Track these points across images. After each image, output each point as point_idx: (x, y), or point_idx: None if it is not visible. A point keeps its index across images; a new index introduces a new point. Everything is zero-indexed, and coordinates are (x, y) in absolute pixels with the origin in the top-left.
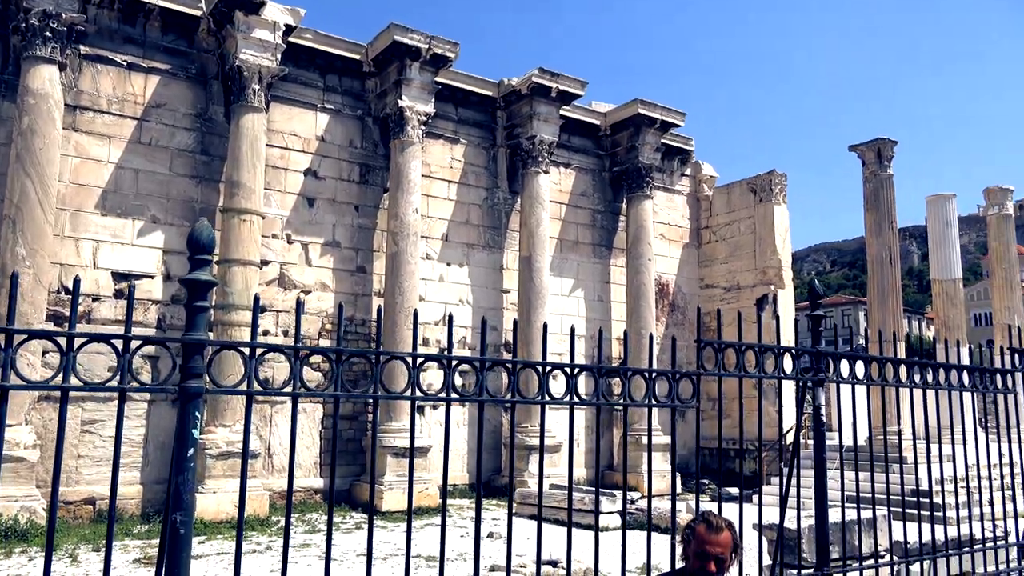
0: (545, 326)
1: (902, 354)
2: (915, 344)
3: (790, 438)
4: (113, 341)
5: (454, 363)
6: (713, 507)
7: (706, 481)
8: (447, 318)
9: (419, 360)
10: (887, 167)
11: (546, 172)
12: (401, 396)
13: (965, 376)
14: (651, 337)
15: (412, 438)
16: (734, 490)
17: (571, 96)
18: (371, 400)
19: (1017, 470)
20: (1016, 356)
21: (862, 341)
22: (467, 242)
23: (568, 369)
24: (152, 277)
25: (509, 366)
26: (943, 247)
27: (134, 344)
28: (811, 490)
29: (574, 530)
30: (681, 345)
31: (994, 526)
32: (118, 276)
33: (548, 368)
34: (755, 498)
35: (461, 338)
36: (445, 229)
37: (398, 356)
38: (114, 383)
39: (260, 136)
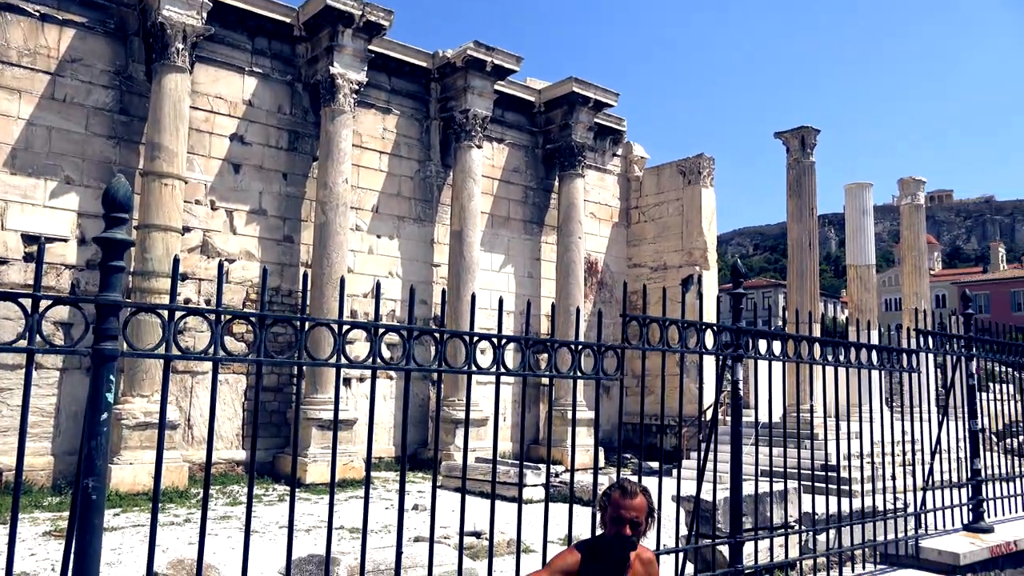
0: (473, 297)
1: (817, 335)
2: (830, 326)
3: (711, 414)
4: (21, 301)
5: (380, 331)
6: (634, 479)
7: (628, 455)
8: (375, 288)
9: (345, 328)
10: (810, 155)
11: (479, 147)
12: (326, 363)
13: (874, 355)
14: (578, 311)
15: (336, 406)
16: (656, 464)
17: (506, 71)
18: (296, 370)
19: (918, 447)
20: (921, 337)
21: (781, 322)
22: (398, 214)
23: (495, 340)
24: (66, 240)
25: (436, 335)
26: (859, 234)
27: (44, 304)
28: (728, 464)
29: (499, 502)
30: (608, 322)
31: (895, 498)
32: (28, 239)
33: (475, 338)
34: (675, 472)
35: (390, 311)
36: (376, 201)
37: (323, 323)
38: (22, 344)
39: (184, 97)
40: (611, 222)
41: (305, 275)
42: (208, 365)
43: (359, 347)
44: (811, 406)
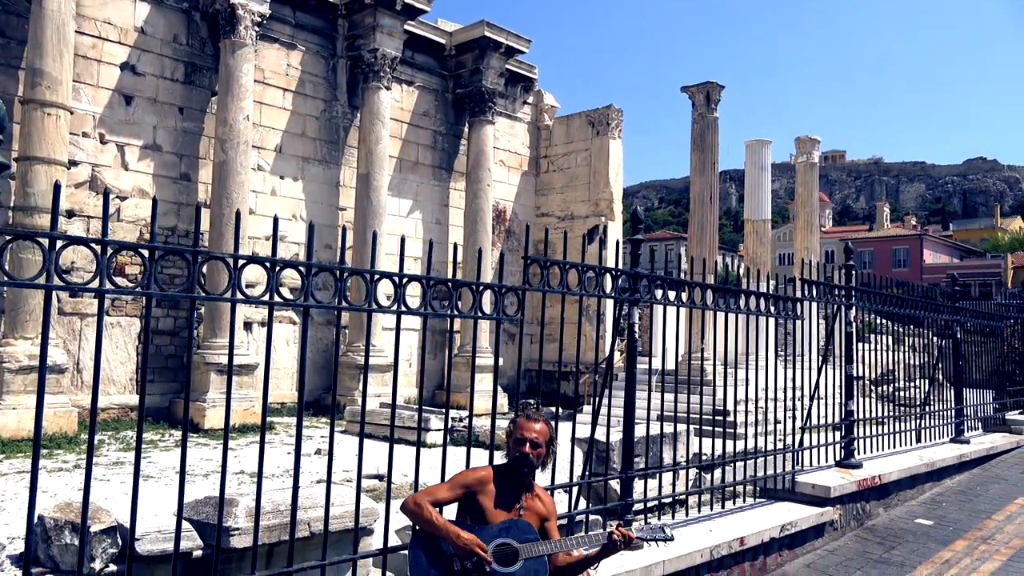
0: (375, 236)
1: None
2: (727, 277)
3: (615, 359)
4: None
5: (278, 267)
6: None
7: (531, 401)
8: (274, 224)
9: (241, 262)
10: (714, 110)
11: (388, 88)
12: (220, 298)
13: (763, 302)
14: (480, 251)
15: (231, 343)
16: (560, 410)
17: (417, 11)
18: (192, 312)
19: (801, 392)
20: (806, 286)
21: (681, 273)
22: (302, 155)
23: (396, 279)
24: None
25: (336, 272)
26: (756, 190)
27: None
28: (647, 409)
29: (402, 446)
30: (515, 270)
31: (778, 439)
32: None
33: (376, 276)
34: (577, 417)
35: (293, 255)
36: (279, 140)
37: (217, 256)
38: None
39: (68, 21)
40: (520, 170)
41: (198, 205)
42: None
43: (260, 291)
44: (701, 351)
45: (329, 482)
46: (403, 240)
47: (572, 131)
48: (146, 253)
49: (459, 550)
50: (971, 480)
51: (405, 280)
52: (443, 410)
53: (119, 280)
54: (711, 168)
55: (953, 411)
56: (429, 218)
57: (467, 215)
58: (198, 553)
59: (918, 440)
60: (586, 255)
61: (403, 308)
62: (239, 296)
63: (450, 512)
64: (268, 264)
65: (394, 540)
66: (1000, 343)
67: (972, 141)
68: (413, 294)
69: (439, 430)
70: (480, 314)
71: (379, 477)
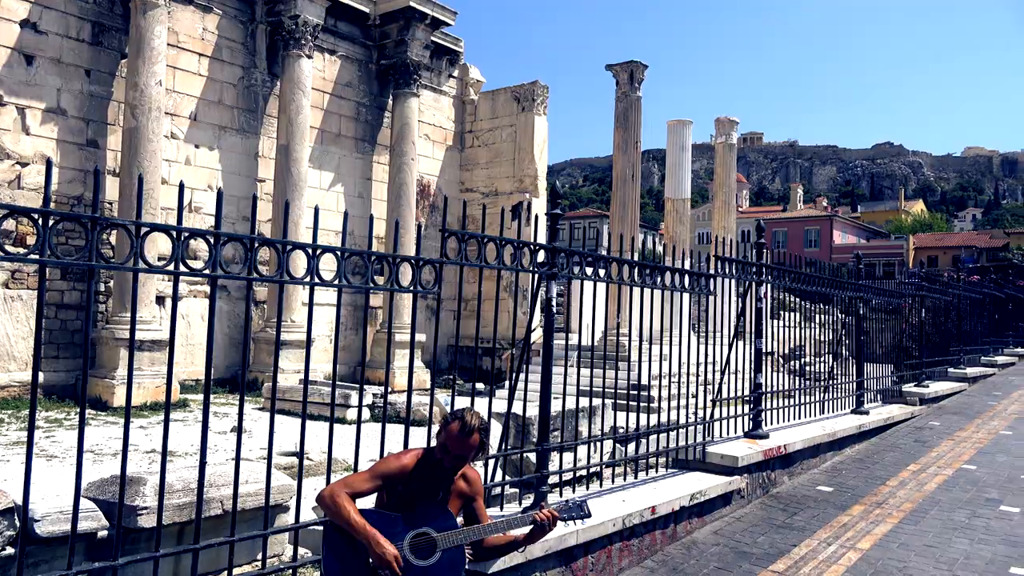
0: (287, 205)
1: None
2: (649, 255)
3: (536, 336)
4: None
5: (184, 235)
6: (461, 402)
7: (452, 377)
8: (179, 191)
9: (144, 230)
10: (637, 89)
11: (309, 57)
12: (122, 267)
13: (678, 278)
14: (396, 223)
15: (133, 315)
16: (481, 385)
17: None
18: (91, 283)
19: (717, 366)
20: (719, 263)
21: (604, 250)
22: (219, 124)
23: (310, 250)
24: None
25: (246, 242)
26: (677, 169)
27: None
28: (564, 384)
29: (321, 423)
30: (436, 244)
31: (688, 413)
32: None
33: (288, 247)
34: (499, 391)
35: (209, 227)
36: (194, 108)
37: (118, 224)
38: None
39: None
40: (445, 145)
41: (97, 171)
42: None
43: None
44: (618, 329)
45: (238, 458)
46: (316, 210)
47: (498, 106)
48: (39, 218)
49: (375, 557)
50: (869, 449)
51: (319, 251)
52: (365, 387)
53: (10, 248)
54: (634, 147)
55: (855, 384)
56: (352, 191)
57: (391, 189)
58: (103, 534)
59: (822, 411)
60: (510, 231)
61: (316, 280)
62: (142, 265)
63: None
64: (173, 232)
65: (311, 516)
66: (900, 320)
67: (881, 126)
68: (332, 268)
69: (355, 407)
70: (396, 287)
71: (296, 454)
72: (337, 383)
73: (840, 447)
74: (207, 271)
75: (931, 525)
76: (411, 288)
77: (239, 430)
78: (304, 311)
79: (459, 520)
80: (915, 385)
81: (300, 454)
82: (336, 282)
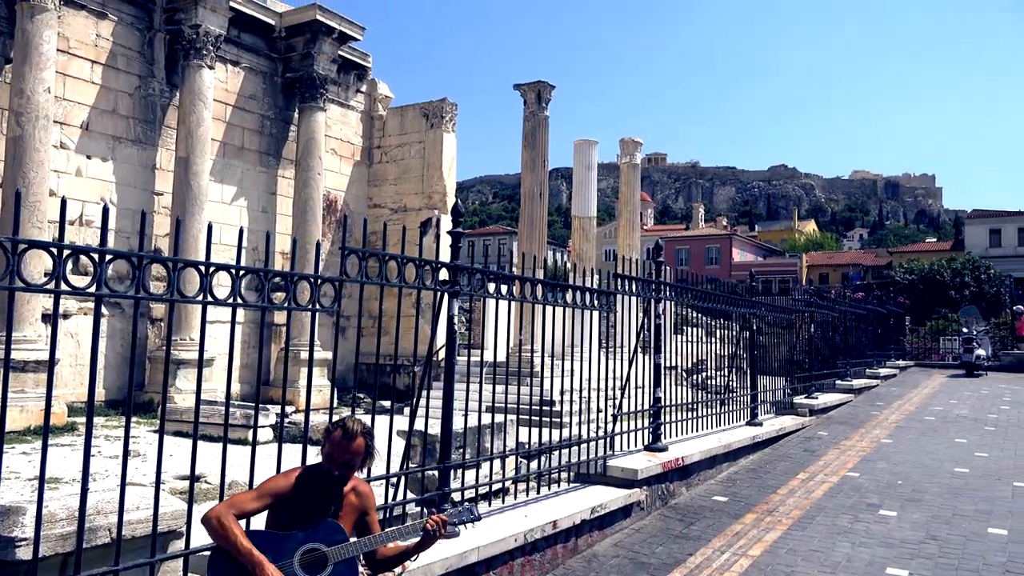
0: (178, 222)
1: (540, 277)
2: (557, 272)
3: (442, 353)
4: None
5: (65, 253)
6: (367, 419)
7: (363, 395)
8: (61, 207)
9: (21, 247)
10: (544, 109)
11: (211, 67)
12: None
13: (579, 295)
14: (294, 241)
15: (8, 334)
16: (388, 403)
17: None
18: None
19: (621, 382)
20: (620, 280)
21: (514, 268)
22: (113, 134)
23: (203, 267)
24: None
25: (134, 260)
26: (583, 188)
27: None
28: (466, 400)
29: (219, 444)
30: (335, 261)
31: (596, 427)
32: None
33: (180, 264)
34: (407, 410)
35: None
36: (86, 117)
37: None
38: None
39: None
40: (353, 160)
41: None
42: None
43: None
44: (532, 345)
45: (123, 484)
46: (210, 227)
47: (406, 122)
48: None
49: None
50: (762, 459)
51: (212, 269)
52: (268, 407)
53: None
54: (541, 165)
55: (749, 397)
56: (255, 206)
57: (296, 204)
58: None
59: (719, 424)
60: (419, 248)
61: (209, 299)
62: (18, 284)
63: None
64: (54, 250)
65: (206, 541)
66: (793, 335)
67: (776, 150)
68: (228, 285)
69: (260, 427)
70: (295, 305)
71: (195, 478)
72: (240, 403)
73: (735, 458)
74: (91, 289)
75: (817, 531)
76: (310, 307)
77: (125, 454)
78: (207, 329)
79: (352, 535)
80: (805, 397)
81: (192, 477)
82: (230, 300)
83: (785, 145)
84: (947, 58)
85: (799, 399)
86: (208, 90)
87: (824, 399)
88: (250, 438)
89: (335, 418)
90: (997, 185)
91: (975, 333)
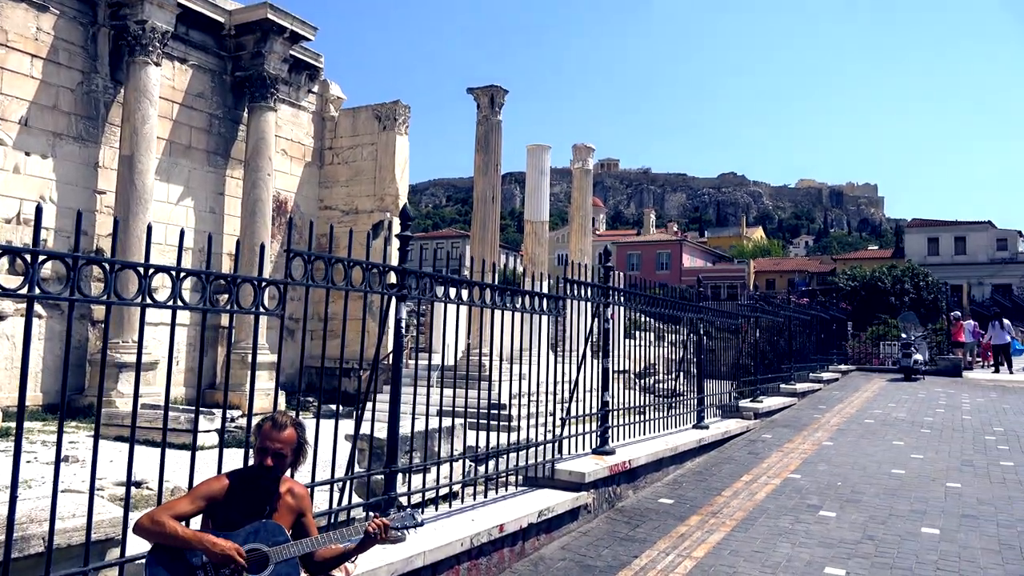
0: (116, 223)
1: (492, 282)
2: (510, 276)
3: (391, 357)
4: None
5: None
6: (313, 424)
7: (311, 399)
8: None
9: None
10: (498, 113)
11: (157, 64)
12: None
13: (529, 299)
14: (238, 243)
15: None
16: (337, 407)
17: None
18: None
19: (572, 385)
20: (570, 285)
21: (467, 271)
22: (54, 131)
23: (141, 269)
24: None
25: (69, 261)
26: (536, 192)
27: None
28: (413, 404)
29: (171, 450)
30: (284, 263)
31: (546, 431)
32: None
33: (117, 266)
34: (356, 413)
35: (43, 240)
36: (25, 112)
37: None
38: None
39: None
40: (303, 161)
41: None
42: None
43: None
44: (480, 348)
45: (55, 490)
46: (149, 228)
47: (359, 124)
48: None
49: (215, 557)
50: (708, 461)
51: (152, 271)
52: (212, 410)
53: None
54: (494, 169)
55: (696, 400)
56: (203, 207)
57: (245, 205)
58: None
59: (667, 427)
60: (367, 250)
61: (148, 301)
62: None
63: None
64: None
65: (141, 549)
66: (740, 339)
67: (726, 157)
68: (184, 288)
69: (204, 431)
70: (237, 308)
71: (137, 484)
72: (184, 407)
73: (682, 460)
74: (23, 291)
75: (759, 532)
76: (253, 310)
77: (57, 459)
78: (149, 331)
79: (290, 536)
80: (751, 400)
81: (128, 483)
82: (170, 302)
83: (735, 153)
84: (890, 71)
85: (745, 402)
86: (154, 87)
87: (769, 402)
88: (197, 442)
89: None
90: (936, 195)
91: (913, 338)
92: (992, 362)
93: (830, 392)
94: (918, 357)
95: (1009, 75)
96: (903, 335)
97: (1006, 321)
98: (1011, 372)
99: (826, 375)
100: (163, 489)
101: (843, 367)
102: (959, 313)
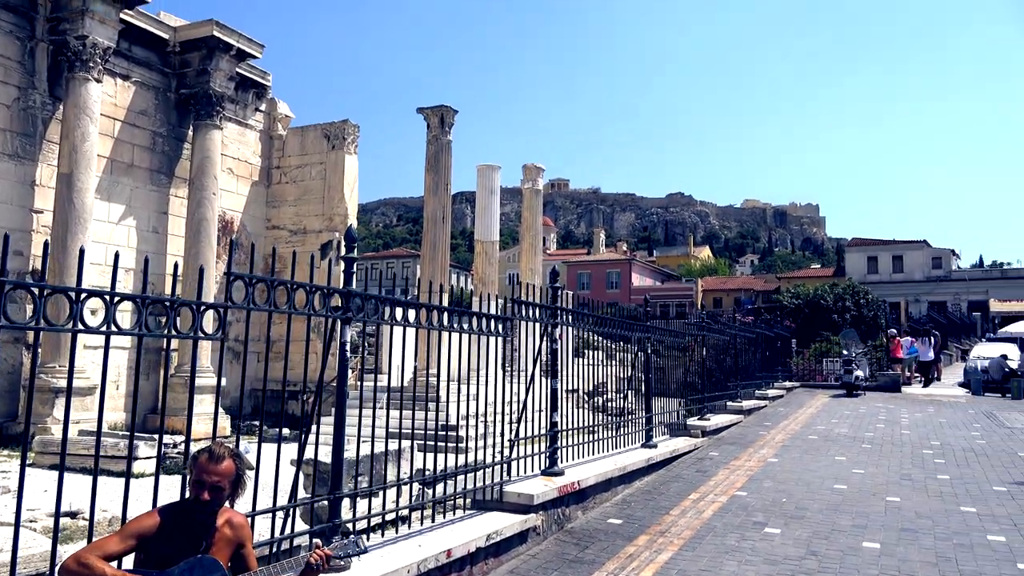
0: (46, 245)
1: (446, 303)
2: (460, 296)
3: (353, 379)
4: None
5: None
6: (265, 448)
7: (257, 423)
8: None
9: None
10: (448, 133)
11: (99, 81)
12: None
13: (476, 321)
14: (176, 265)
15: None
16: (285, 430)
17: None
18: None
19: (522, 406)
20: (518, 306)
21: (416, 291)
22: None
23: (73, 294)
24: None
25: None
26: (486, 212)
27: None
28: (359, 427)
29: (109, 478)
30: (238, 285)
31: (496, 452)
32: None
33: (47, 291)
34: (304, 437)
35: None
36: None
37: None
38: None
39: None
40: (250, 180)
41: None
42: None
43: None
44: (428, 370)
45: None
46: (82, 251)
47: (307, 143)
48: None
49: None
50: (656, 480)
51: (84, 296)
52: (153, 436)
53: None
54: (444, 189)
55: (645, 419)
56: (145, 226)
57: (189, 225)
58: None
59: (616, 447)
60: (320, 270)
61: (80, 327)
62: None
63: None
64: None
65: None
66: (687, 358)
67: (674, 177)
68: (122, 308)
69: (144, 458)
70: (175, 332)
71: (72, 514)
72: (123, 433)
73: (631, 480)
74: None
75: (706, 550)
76: (191, 334)
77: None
78: (88, 354)
79: (229, 571)
80: (699, 418)
81: (57, 514)
82: (103, 328)
83: (682, 174)
84: (828, 94)
85: (693, 420)
86: (95, 104)
87: (716, 420)
88: (134, 469)
89: (231, 443)
90: (874, 215)
91: (854, 355)
92: (921, 377)
93: (775, 409)
94: (859, 373)
95: (941, 100)
96: (844, 352)
97: (930, 338)
98: (929, 385)
99: (771, 392)
100: (95, 520)
101: (788, 384)
102: (895, 331)
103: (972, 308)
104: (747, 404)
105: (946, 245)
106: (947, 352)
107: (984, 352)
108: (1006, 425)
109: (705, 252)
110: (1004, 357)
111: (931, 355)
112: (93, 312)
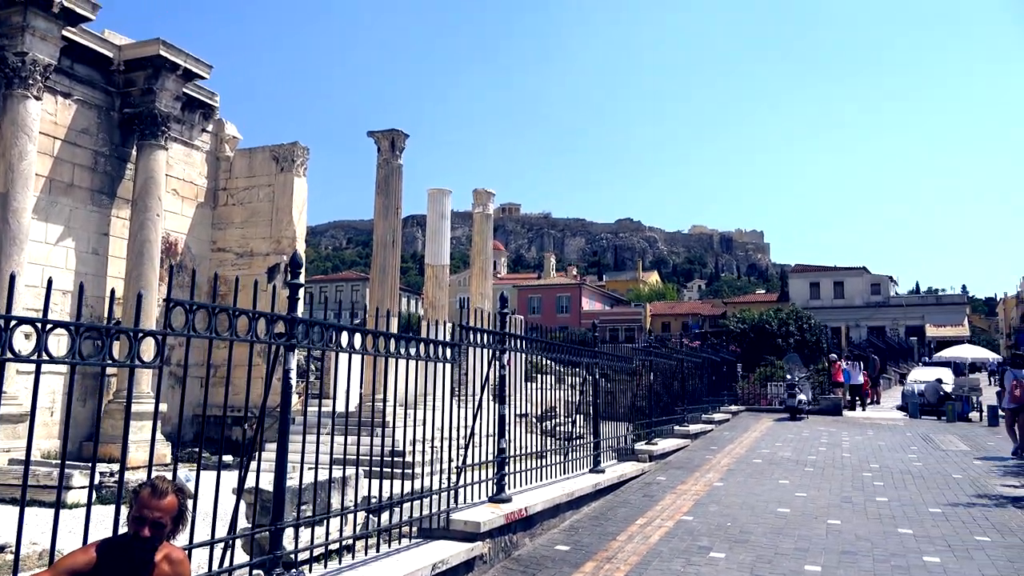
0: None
1: (394, 328)
2: (410, 320)
3: (295, 402)
4: None
5: None
6: (205, 476)
7: (199, 450)
8: None
9: None
10: (398, 157)
11: (38, 98)
12: None
13: (423, 347)
14: (112, 292)
15: None
16: (230, 458)
17: (79, 17)
18: None
19: (470, 431)
20: (466, 332)
21: (364, 316)
22: None
23: (3, 321)
24: None
25: None
26: (437, 236)
27: None
28: (302, 453)
29: (41, 509)
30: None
31: (443, 478)
32: None
33: None
34: (250, 465)
35: None
36: None
37: None
38: None
39: None
40: (196, 201)
41: None
42: None
43: None
44: (373, 394)
45: None
46: (13, 277)
47: (255, 165)
48: None
49: None
50: (604, 506)
51: (13, 323)
52: (88, 465)
53: None
54: (394, 213)
55: (592, 444)
56: (85, 248)
57: (131, 247)
58: None
59: (565, 472)
60: (266, 294)
61: (9, 356)
62: None
63: None
64: None
65: None
66: (635, 382)
67: (623, 203)
68: (59, 334)
69: (79, 487)
70: (110, 361)
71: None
72: (57, 462)
73: (578, 506)
74: None
75: None
76: (128, 362)
77: None
78: (21, 380)
79: None
80: (646, 443)
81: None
82: (34, 356)
83: (631, 199)
84: (770, 119)
85: (640, 445)
86: (34, 122)
87: (663, 444)
88: (68, 500)
89: (155, 475)
90: (816, 242)
91: (797, 379)
92: (857, 401)
93: (721, 433)
94: (802, 397)
95: (880, 128)
96: (788, 376)
97: (860, 363)
98: (864, 408)
99: (718, 416)
100: (21, 555)
101: (734, 408)
102: (835, 356)
103: (909, 333)
104: (694, 428)
105: (885, 272)
106: (886, 376)
107: (921, 376)
108: (941, 448)
109: (654, 277)
110: (939, 381)
111: (861, 379)
112: (27, 336)
